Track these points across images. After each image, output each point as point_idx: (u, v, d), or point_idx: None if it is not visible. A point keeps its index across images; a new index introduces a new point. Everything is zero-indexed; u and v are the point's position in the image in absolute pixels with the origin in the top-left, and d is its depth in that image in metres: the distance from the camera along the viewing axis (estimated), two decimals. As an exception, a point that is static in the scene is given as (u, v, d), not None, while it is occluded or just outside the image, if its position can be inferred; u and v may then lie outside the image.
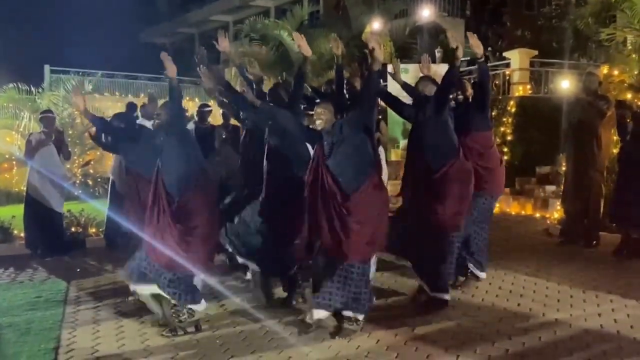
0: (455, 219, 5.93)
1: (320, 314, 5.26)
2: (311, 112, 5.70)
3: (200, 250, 5.37)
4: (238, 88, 6.64)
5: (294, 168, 5.91)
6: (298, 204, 5.67)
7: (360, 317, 5.32)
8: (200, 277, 5.55)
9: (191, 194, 5.33)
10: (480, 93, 6.45)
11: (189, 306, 5.40)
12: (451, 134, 5.98)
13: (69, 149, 9.76)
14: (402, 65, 14.88)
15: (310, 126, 5.79)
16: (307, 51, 5.96)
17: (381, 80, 5.99)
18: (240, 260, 6.38)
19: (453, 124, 6.06)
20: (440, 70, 14.36)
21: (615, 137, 9.05)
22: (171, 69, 5.34)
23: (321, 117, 5.33)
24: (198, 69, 6.26)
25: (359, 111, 5.38)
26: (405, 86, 6.55)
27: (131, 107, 9.34)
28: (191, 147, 5.55)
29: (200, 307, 5.48)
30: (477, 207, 6.48)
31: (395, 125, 14.47)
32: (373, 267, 6.04)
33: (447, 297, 5.97)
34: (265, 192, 6.08)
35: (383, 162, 6.81)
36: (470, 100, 6.63)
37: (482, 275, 6.75)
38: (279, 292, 6.33)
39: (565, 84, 13.03)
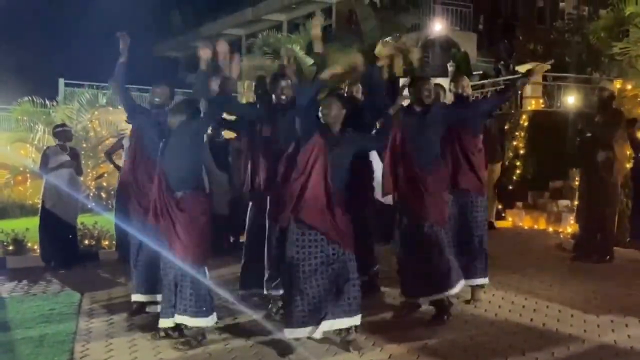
0: (441, 213, 5.99)
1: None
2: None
3: (200, 246, 5.41)
4: None
5: None
6: None
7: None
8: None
9: (190, 192, 5.37)
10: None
11: (185, 318, 5.38)
12: (439, 139, 6.13)
13: (82, 162, 9.81)
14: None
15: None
16: None
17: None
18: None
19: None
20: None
21: (629, 152, 9.03)
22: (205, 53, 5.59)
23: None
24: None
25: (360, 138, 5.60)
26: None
27: None
28: (201, 148, 5.71)
29: (203, 322, 5.42)
30: (468, 207, 6.48)
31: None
32: None
33: (451, 291, 5.95)
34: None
35: (378, 165, 6.77)
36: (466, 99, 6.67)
37: (484, 280, 6.63)
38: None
39: (577, 98, 13.00)
